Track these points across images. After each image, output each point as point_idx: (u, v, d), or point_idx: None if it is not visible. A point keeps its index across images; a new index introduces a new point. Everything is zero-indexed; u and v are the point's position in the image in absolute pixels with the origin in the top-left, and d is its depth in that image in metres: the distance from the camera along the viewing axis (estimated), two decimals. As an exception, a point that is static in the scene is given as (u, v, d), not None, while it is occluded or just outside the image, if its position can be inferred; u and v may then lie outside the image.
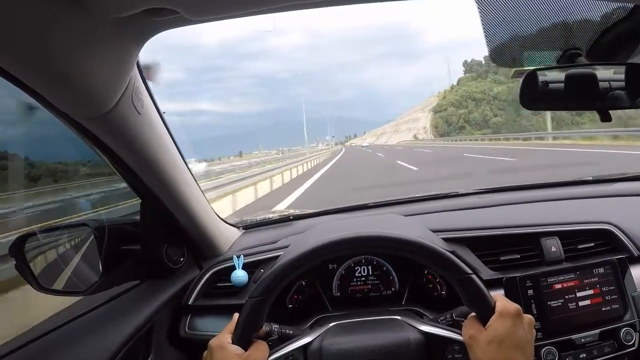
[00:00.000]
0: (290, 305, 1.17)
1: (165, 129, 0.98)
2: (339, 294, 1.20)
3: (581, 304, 1.07)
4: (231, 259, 1.22)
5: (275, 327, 0.92)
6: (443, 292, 1.14)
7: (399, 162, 18.13)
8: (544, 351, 1.02)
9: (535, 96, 0.91)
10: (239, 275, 1.18)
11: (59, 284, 1.12)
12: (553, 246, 1.17)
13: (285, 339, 0.91)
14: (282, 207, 7.40)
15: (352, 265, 1.21)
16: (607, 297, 1.08)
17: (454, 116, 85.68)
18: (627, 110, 0.92)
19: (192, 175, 1.13)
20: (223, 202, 8.72)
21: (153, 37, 0.73)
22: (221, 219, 1.37)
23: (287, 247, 1.25)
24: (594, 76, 0.89)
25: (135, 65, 0.79)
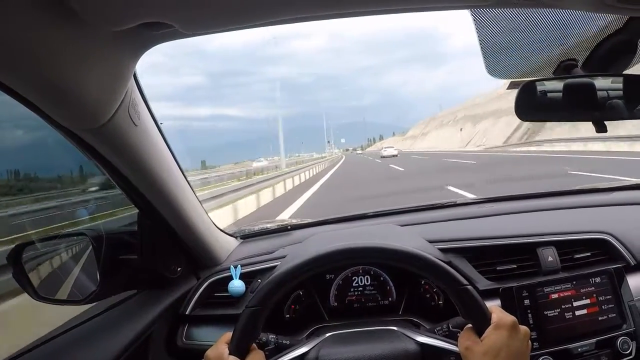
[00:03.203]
0: (287, 315, 1.17)
1: (162, 139, 0.99)
2: (336, 304, 1.20)
3: (578, 313, 1.07)
4: (228, 269, 1.21)
5: (271, 337, 0.92)
6: (440, 302, 1.14)
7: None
8: None
9: (531, 107, 0.92)
10: (236, 285, 1.18)
11: (56, 293, 1.12)
12: (550, 256, 1.17)
13: (281, 349, 0.91)
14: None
15: (350, 275, 1.21)
16: (603, 307, 1.08)
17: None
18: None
19: (189, 185, 1.13)
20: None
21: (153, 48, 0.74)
22: (219, 228, 1.37)
23: (284, 257, 1.26)
24: (592, 86, 0.90)
25: (132, 78, 0.80)
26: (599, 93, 0.90)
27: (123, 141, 0.84)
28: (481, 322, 0.79)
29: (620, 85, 0.89)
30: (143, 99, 0.89)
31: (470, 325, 0.81)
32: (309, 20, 0.68)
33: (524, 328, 0.80)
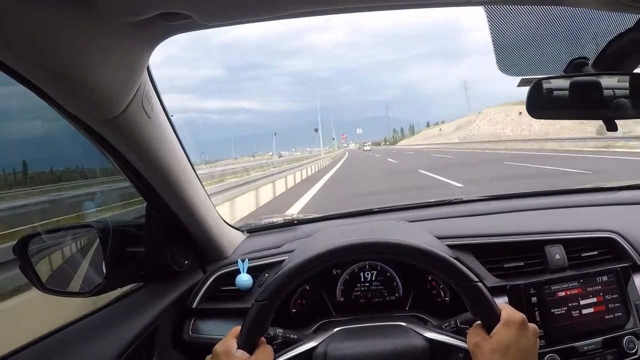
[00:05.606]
0: (294, 310, 1.17)
1: (173, 132, 0.99)
2: (342, 299, 1.20)
3: (584, 311, 1.07)
4: (235, 262, 1.21)
5: (279, 331, 0.92)
6: (447, 298, 1.14)
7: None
8: (547, 358, 1.02)
9: (541, 105, 0.92)
10: (244, 279, 1.18)
11: (62, 285, 1.12)
12: (557, 254, 1.17)
13: (289, 344, 0.90)
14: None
15: (356, 270, 1.21)
16: (610, 305, 1.08)
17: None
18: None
19: (198, 178, 1.13)
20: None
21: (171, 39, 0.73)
22: (226, 222, 1.37)
23: (292, 251, 1.26)
24: (598, 84, 0.90)
25: (146, 69, 0.79)
26: (605, 92, 0.90)
27: (136, 133, 0.84)
28: (490, 318, 0.79)
29: (627, 84, 0.89)
30: (156, 91, 0.89)
31: (479, 321, 0.81)
32: (326, 14, 0.68)
33: (532, 326, 0.80)
